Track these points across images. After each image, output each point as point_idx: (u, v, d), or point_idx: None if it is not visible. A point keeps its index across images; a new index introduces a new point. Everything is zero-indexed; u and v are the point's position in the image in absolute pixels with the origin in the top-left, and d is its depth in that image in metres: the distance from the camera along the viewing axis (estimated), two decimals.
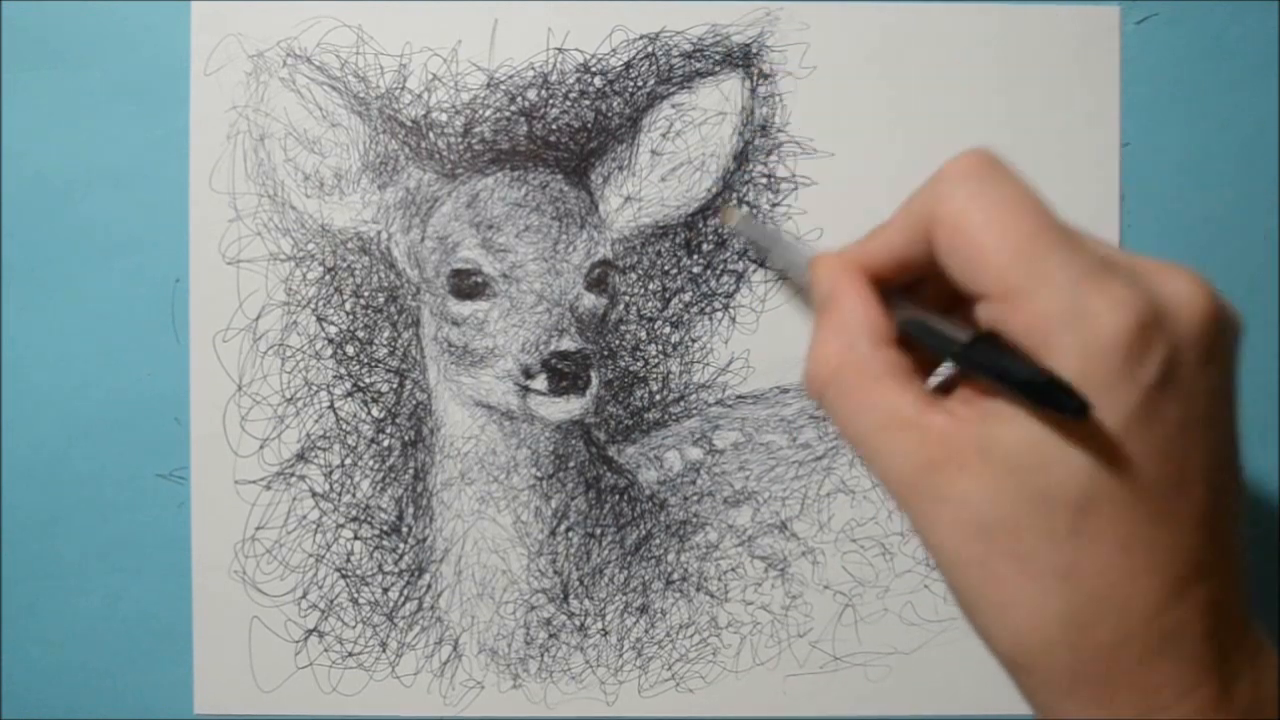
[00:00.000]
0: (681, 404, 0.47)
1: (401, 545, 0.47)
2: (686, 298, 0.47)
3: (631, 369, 0.47)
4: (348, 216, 0.46)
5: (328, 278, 0.46)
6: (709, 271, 0.47)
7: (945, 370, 0.29)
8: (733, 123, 0.47)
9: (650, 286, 0.47)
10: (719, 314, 0.47)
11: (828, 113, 0.46)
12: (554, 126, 0.46)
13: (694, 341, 0.47)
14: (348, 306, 0.46)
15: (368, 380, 0.46)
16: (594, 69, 0.46)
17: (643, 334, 0.47)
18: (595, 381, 0.46)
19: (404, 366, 0.47)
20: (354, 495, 0.47)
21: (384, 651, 0.47)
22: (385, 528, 0.47)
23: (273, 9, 0.46)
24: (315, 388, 0.46)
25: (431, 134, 0.46)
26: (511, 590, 0.47)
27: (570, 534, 0.47)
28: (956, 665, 0.47)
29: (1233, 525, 0.25)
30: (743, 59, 0.46)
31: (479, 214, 0.46)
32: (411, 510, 0.47)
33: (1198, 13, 0.47)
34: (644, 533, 0.47)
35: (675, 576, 0.47)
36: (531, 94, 0.46)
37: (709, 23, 0.46)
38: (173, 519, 0.47)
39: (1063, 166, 0.47)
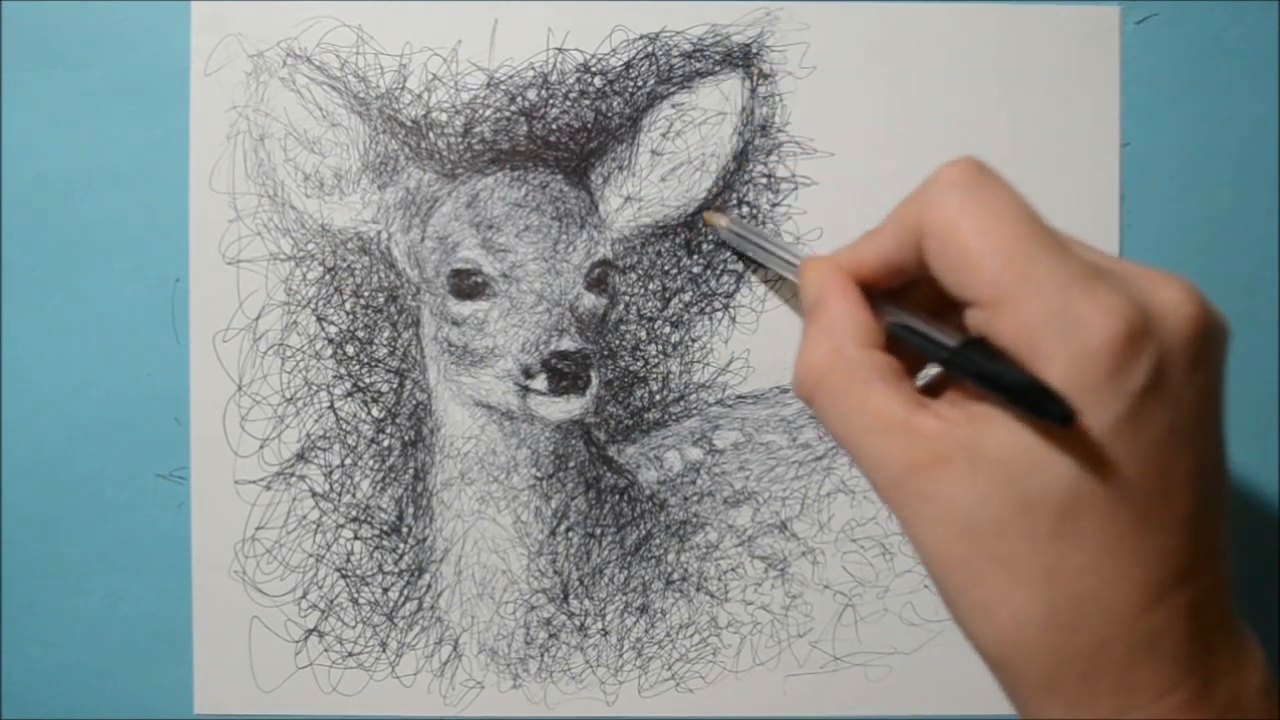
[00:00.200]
0: (681, 404, 0.47)
1: (401, 545, 0.47)
2: (686, 297, 0.47)
3: (631, 369, 0.47)
4: (348, 216, 0.46)
5: (328, 278, 0.46)
6: (709, 271, 0.47)
7: (933, 370, 0.29)
8: (733, 123, 0.47)
9: (650, 286, 0.47)
10: (719, 314, 0.47)
11: (828, 113, 0.46)
12: (554, 126, 0.46)
13: (694, 341, 0.47)
14: (348, 306, 0.46)
15: (368, 380, 0.46)
16: (594, 69, 0.46)
17: (643, 334, 0.47)
18: (595, 381, 0.46)
19: (404, 366, 0.47)
20: (354, 495, 0.47)
21: (384, 651, 0.47)
22: (385, 528, 0.47)
23: (273, 9, 0.46)
24: (315, 388, 0.46)
25: (431, 134, 0.46)
26: (511, 590, 0.47)
27: (570, 534, 0.47)
28: (956, 665, 0.47)
29: (1217, 529, 0.25)
30: (743, 59, 0.46)
31: (479, 214, 0.46)
32: (411, 510, 0.47)
33: (1198, 13, 0.47)
34: (644, 533, 0.47)
35: (675, 576, 0.47)
36: (531, 94, 0.46)
37: (709, 23, 0.46)
38: (173, 519, 0.47)
39: (1063, 166, 0.47)
